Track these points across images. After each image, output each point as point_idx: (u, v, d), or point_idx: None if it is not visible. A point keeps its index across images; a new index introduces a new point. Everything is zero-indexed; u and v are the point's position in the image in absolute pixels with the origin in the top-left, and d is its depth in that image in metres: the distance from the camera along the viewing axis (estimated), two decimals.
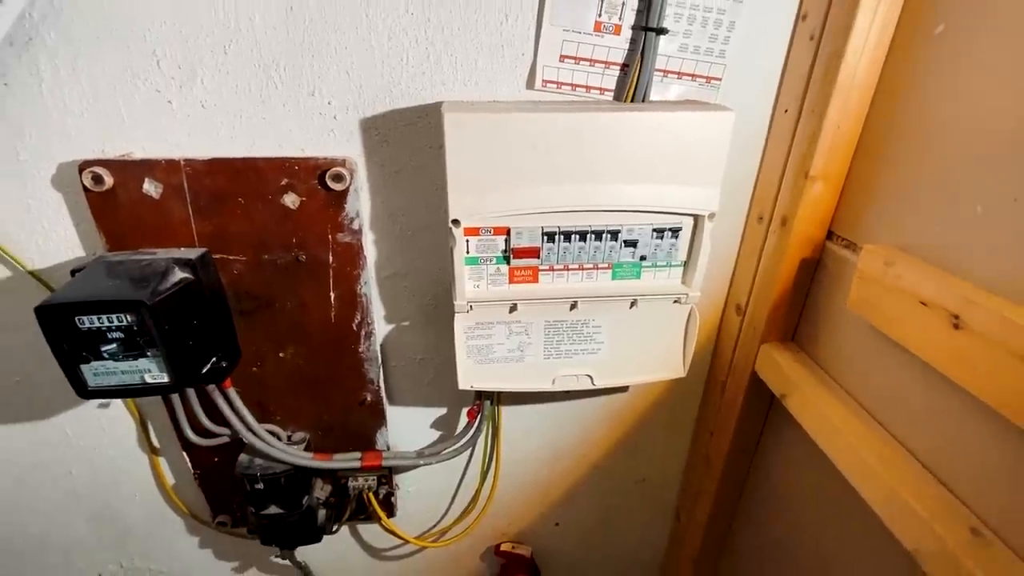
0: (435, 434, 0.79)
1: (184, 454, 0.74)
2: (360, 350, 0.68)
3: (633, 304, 0.62)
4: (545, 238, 0.57)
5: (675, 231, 0.58)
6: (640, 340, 0.64)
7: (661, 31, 0.55)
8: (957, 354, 0.42)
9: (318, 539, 0.77)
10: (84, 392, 0.54)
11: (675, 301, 0.62)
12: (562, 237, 0.57)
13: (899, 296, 0.47)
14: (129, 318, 0.51)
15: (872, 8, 0.50)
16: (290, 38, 0.54)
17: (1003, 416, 0.39)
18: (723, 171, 0.55)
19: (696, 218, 0.58)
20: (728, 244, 0.70)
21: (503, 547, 0.91)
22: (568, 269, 0.59)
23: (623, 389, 0.80)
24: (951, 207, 0.46)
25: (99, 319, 0.51)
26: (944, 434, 0.47)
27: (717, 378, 0.77)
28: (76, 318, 0.50)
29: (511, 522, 0.91)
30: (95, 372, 0.53)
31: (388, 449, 0.75)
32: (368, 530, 0.89)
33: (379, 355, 0.70)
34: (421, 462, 0.74)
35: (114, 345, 0.52)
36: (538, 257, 0.58)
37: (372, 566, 0.93)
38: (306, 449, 0.72)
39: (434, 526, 0.88)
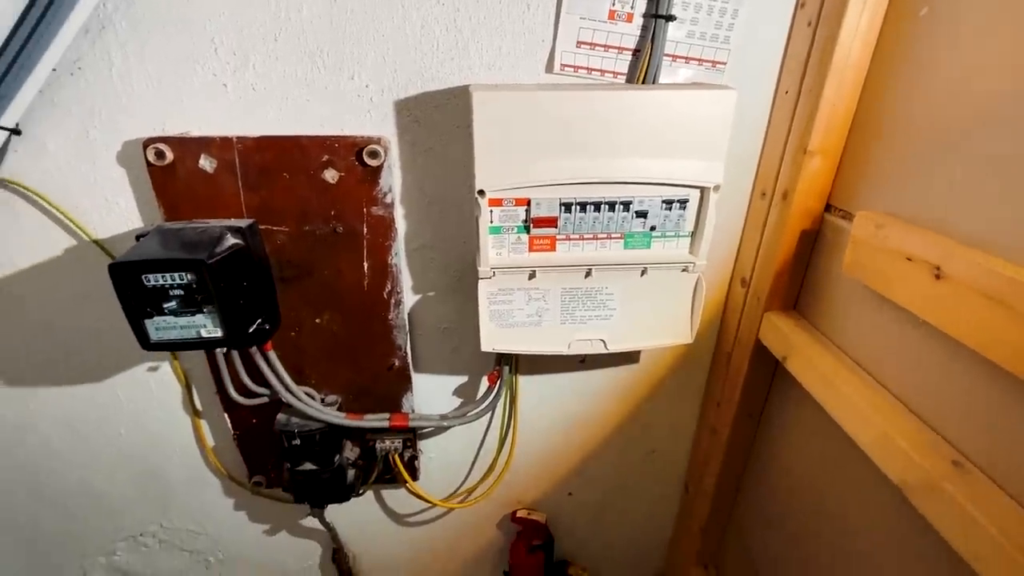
0: (456, 400, 0.84)
1: (226, 415, 0.79)
2: (390, 318, 0.74)
3: (644, 272, 0.67)
4: (562, 208, 0.62)
5: (683, 202, 0.63)
6: (650, 307, 0.69)
7: (670, 18, 0.60)
8: (939, 302, 0.46)
9: (347, 498, 0.82)
10: (147, 344, 0.60)
11: (683, 270, 0.67)
12: (578, 208, 0.62)
13: (888, 255, 0.51)
14: (189, 276, 0.57)
15: None
16: (333, 27, 0.60)
17: (981, 355, 0.43)
18: (727, 146, 0.60)
19: (702, 190, 0.62)
20: (734, 220, 0.75)
21: (519, 513, 0.96)
22: (583, 238, 0.65)
23: (635, 360, 0.85)
24: (934, 174, 0.51)
25: (163, 277, 0.57)
26: (928, 377, 0.51)
27: (724, 350, 0.82)
28: (143, 276, 0.56)
29: (526, 490, 0.96)
30: (157, 327, 0.59)
31: (414, 412, 0.81)
32: (391, 495, 0.95)
33: (407, 323, 0.75)
34: (445, 424, 0.79)
35: (175, 302, 0.58)
36: (556, 227, 0.63)
37: (394, 531, 0.98)
38: (338, 411, 0.77)
39: (455, 491, 0.93)
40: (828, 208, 0.65)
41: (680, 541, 1.02)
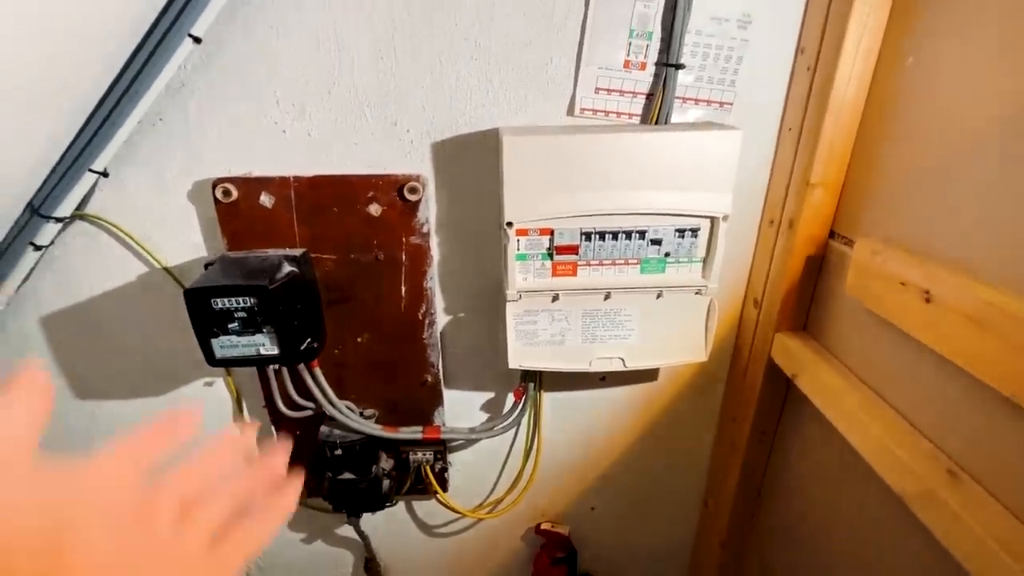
0: (484, 415, 0.90)
1: (272, 427, 0.86)
2: (424, 337, 0.80)
3: (659, 295, 0.72)
4: (583, 237, 0.68)
5: (694, 231, 0.69)
6: (666, 327, 0.74)
7: (679, 66, 0.66)
8: (930, 323, 0.50)
9: (381, 507, 0.88)
10: (213, 360, 0.67)
11: (696, 292, 0.72)
12: (598, 236, 0.68)
13: (884, 279, 0.56)
14: (252, 300, 0.64)
15: (855, 43, 0.60)
16: (379, 81, 0.68)
17: (967, 372, 0.47)
18: (734, 180, 0.66)
19: (712, 220, 0.68)
20: (745, 245, 0.80)
21: (543, 526, 1.00)
22: (603, 264, 0.70)
23: (653, 377, 0.89)
24: (923, 203, 0.56)
25: (229, 301, 0.64)
26: (924, 392, 0.55)
27: (739, 367, 0.86)
28: (212, 300, 0.64)
29: (550, 503, 1.00)
30: (222, 345, 0.67)
31: (444, 425, 0.86)
32: (420, 506, 1.00)
33: (439, 342, 0.82)
34: (474, 436, 0.85)
35: (238, 323, 0.66)
36: (577, 253, 0.69)
37: (423, 541, 1.03)
38: (376, 423, 0.83)
39: (482, 502, 0.98)
40: (832, 235, 0.70)
41: (701, 555, 1.05)
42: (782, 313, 0.74)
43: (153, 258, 0.75)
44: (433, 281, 0.77)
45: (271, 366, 0.77)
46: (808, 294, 0.74)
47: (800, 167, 0.69)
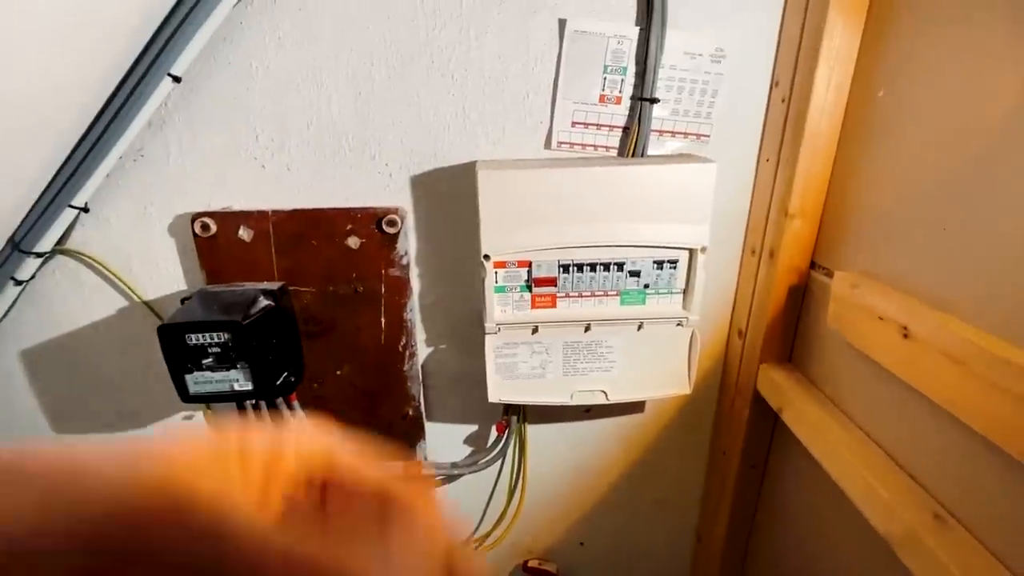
0: (467, 449, 0.88)
1: None
2: (404, 369, 0.79)
3: (640, 327, 0.71)
4: (561, 269, 0.68)
5: (673, 263, 0.68)
6: (649, 359, 0.73)
7: (654, 100, 0.67)
8: (908, 360, 0.49)
9: None
10: (186, 397, 0.66)
11: (678, 324, 0.71)
12: (576, 268, 0.68)
13: (863, 312, 0.55)
14: (226, 336, 0.64)
15: (827, 76, 0.61)
16: (358, 115, 0.68)
17: (949, 412, 0.46)
18: (710, 212, 0.65)
19: (691, 251, 0.67)
20: (728, 274, 0.79)
21: (531, 563, 0.97)
22: (582, 296, 0.70)
23: (640, 409, 0.88)
24: (901, 237, 0.55)
25: (203, 336, 0.64)
26: (908, 431, 0.53)
27: (726, 398, 0.84)
28: (186, 335, 0.64)
29: (537, 539, 0.97)
30: (196, 381, 0.66)
31: (426, 460, 0.84)
32: None
33: (420, 374, 0.81)
34: (456, 471, 0.83)
35: (212, 359, 0.65)
36: (555, 285, 0.69)
37: None
38: None
39: (465, 540, 0.95)
40: (813, 265, 0.69)
41: None
42: (766, 344, 0.73)
43: (133, 292, 0.75)
44: (413, 313, 0.77)
45: (248, 401, 0.76)
46: (792, 325, 0.72)
47: (778, 197, 0.68)
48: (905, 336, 0.49)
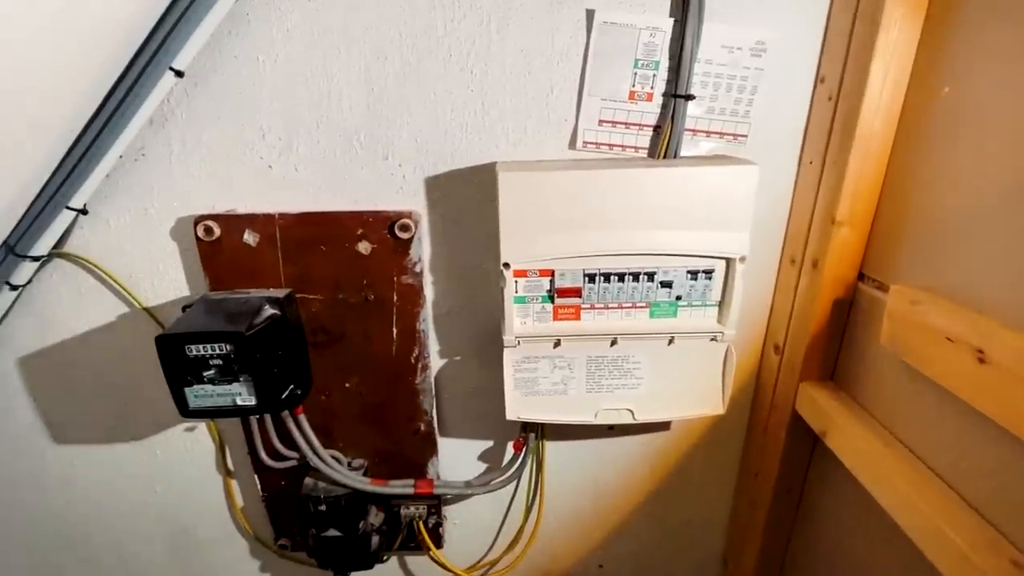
0: (482, 466, 0.83)
1: (256, 476, 0.81)
2: (417, 382, 0.75)
3: (671, 341, 0.66)
4: (586, 279, 0.63)
5: (708, 273, 0.63)
6: (679, 376, 0.68)
7: (689, 97, 0.62)
8: (984, 386, 0.44)
9: (370, 565, 0.81)
10: (185, 411, 0.62)
11: (712, 339, 0.66)
12: (602, 278, 0.63)
13: (926, 332, 0.49)
14: (228, 347, 0.60)
15: (882, 72, 0.55)
16: (370, 113, 0.64)
17: None
18: (751, 217, 0.60)
19: (728, 261, 0.62)
20: (764, 285, 0.74)
21: None
22: (608, 307, 0.65)
23: (665, 427, 0.82)
24: (970, 249, 0.49)
25: (204, 347, 0.60)
26: (978, 465, 0.48)
27: (759, 419, 0.79)
28: (186, 346, 0.60)
29: (555, 560, 0.92)
30: (196, 394, 0.62)
31: (439, 478, 0.80)
32: (414, 562, 0.92)
33: (433, 387, 0.76)
34: (469, 491, 0.78)
35: (213, 371, 0.61)
36: (580, 296, 0.64)
37: None
38: (364, 475, 0.77)
39: (479, 561, 0.90)
40: (861, 277, 0.64)
41: None
42: (807, 361, 0.68)
43: (133, 298, 0.72)
44: (426, 323, 0.72)
45: (251, 416, 0.72)
46: (836, 341, 0.67)
47: (823, 203, 0.63)
48: (981, 361, 0.44)
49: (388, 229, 0.67)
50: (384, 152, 0.66)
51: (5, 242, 0.65)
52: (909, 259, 0.57)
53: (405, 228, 0.67)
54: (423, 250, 0.69)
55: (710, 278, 0.63)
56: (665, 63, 0.62)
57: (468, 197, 0.68)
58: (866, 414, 0.62)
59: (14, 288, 0.68)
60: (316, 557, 0.80)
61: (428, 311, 0.73)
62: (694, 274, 0.63)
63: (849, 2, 0.58)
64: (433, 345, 0.75)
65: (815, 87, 0.64)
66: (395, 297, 0.70)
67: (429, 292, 0.72)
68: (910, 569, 0.56)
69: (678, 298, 0.64)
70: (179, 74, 0.60)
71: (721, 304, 0.65)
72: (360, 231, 0.67)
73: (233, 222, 0.66)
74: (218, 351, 0.60)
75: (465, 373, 0.77)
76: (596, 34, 0.61)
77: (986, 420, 0.45)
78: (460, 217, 0.69)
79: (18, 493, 0.85)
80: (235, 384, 0.62)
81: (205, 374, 0.61)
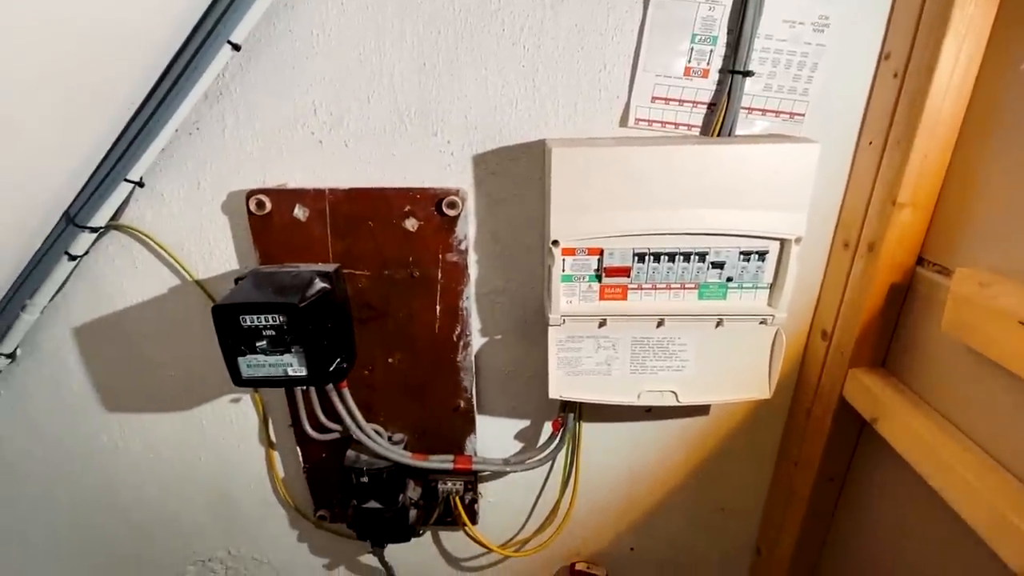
0: (518, 445, 0.84)
1: (298, 448, 0.82)
2: (458, 359, 0.75)
3: (719, 324, 0.65)
4: (636, 259, 0.63)
5: (761, 254, 0.62)
6: (725, 360, 0.67)
7: (748, 74, 0.60)
8: None
9: (407, 538, 0.82)
10: (239, 380, 0.64)
11: (761, 322, 0.65)
12: (652, 258, 0.62)
13: (997, 317, 0.48)
14: (281, 318, 0.61)
15: (955, 48, 0.53)
16: (421, 88, 0.64)
17: None
18: (809, 197, 0.59)
19: (783, 242, 0.61)
20: (812, 270, 0.72)
21: (578, 566, 0.92)
22: (656, 288, 0.64)
23: (704, 412, 0.82)
24: None
25: (258, 318, 0.61)
26: None
27: (802, 405, 0.78)
28: (240, 317, 0.61)
29: (586, 542, 0.93)
30: (248, 364, 0.63)
31: (476, 455, 0.81)
32: (448, 538, 0.94)
33: (474, 365, 0.76)
34: (507, 469, 0.79)
35: (266, 342, 0.62)
36: (628, 276, 0.64)
37: (448, 575, 0.97)
38: (404, 449, 0.78)
39: (512, 538, 0.91)
40: (920, 261, 0.62)
41: None
42: (859, 347, 0.66)
43: (186, 270, 0.73)
44: (469, 301, 0.72)
45: (300, 387, 0.74)
46: (890, 327, 0.65)
47: (884, 185, 0.61)
48: None
49: (435, 206, 0.67)
50: (434, 128, 0.66)
51: (65, 212, 0.67)
52: (974, 243, 0.55)
53: (452, 205, 0.67)
54: (469, 228, 0.69)
55: (763, 260, 0.62)
56: (723, 38, 0.60)
57: (515, 175, 0.67)
58: (921, 401, 0.61)
59: (72, 258, 0.70)
60: (355, 528, 0.82)
61: (472, 289, 0.73)
62: (747, 255, 0.62)
63: None
64: (475, 323, 0.75)
65: (878, 64, 0.62)
66: (440, 275, 0.71)
67: (473, 270, 0.72)
68: (969, 557, 0.55)
69: (728, 280, 0.63)
70: (236, 48, 0.60)
71: (772, 286, 0.64)
72: (407, 208, 0.67)
73: (284, 197, 0.67)
74: (271, 322, 0.61)
75: (505, 352, 0.77)
76: (653, 8, 0.59)
77: None
78: (506, 196, 0.68)
79: (68, 458, 0.89)
80: (287, 355, 0.63)
81: (258, 344, 0.62)
